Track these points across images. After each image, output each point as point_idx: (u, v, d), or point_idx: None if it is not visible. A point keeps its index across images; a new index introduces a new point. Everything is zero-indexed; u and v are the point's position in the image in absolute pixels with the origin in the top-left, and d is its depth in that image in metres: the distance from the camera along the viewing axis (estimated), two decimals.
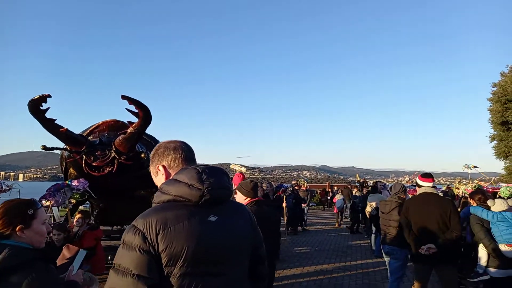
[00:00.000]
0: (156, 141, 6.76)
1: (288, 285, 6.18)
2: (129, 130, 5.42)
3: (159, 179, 1.59)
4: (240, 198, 3.60)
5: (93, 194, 6.11)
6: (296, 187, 12.97)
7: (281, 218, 8.28)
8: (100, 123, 6.39)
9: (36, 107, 4.75)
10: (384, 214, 5.05)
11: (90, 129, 6.31)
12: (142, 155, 5.53)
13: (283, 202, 8.06)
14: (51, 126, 5.05)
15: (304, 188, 14.12)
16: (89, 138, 5.87)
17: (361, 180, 14.75)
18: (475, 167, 9.34)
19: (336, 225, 13.46)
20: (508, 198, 5.55)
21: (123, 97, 4.88)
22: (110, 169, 5.56)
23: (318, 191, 22.62)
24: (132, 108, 5.08)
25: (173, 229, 1.31)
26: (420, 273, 4.42)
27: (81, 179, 5.86)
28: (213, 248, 1.36)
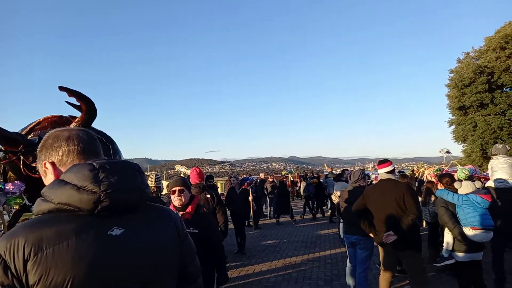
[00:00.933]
0: (108, 138, 6.23)
1: (256, 282, 5.93)
2: (72, 126, 4.91)
3: (48, 181, 1.20)
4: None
5: (27, 202, 5.46)
6: (283, 179, 13.03)
7: (249, 212, 8.01)
8: (41, 119, 5.76)
9: None
10: (346, 204, 4.88)
11: (30, 127, 5.68)
12: None
13: (249, 195, 7.76)
14: None
15: (270, 179, 13.92)
16: (29, 136, 5.29)
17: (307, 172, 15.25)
18: (448, 152, 9.53)
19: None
20: (465, 180, 5.56)
21: (61, 88, 4.35)
22: None
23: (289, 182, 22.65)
24: (73, 100, 4.59)
25: (50, 252, 0.94)
26: (386, 260, 4.30)
27: (16, 181, 5.25)
28: (115, 274, 1.01)
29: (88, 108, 4.70)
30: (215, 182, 16.33)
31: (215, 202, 4.43)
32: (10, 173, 5.78)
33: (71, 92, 4.46)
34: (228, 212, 6.97)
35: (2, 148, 4.92)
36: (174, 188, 3.19)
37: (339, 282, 5.73)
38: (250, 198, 7.74)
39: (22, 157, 4.98)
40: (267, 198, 13.64)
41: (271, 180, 13.94)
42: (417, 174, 8.62)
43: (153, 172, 5.27)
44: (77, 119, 4.90)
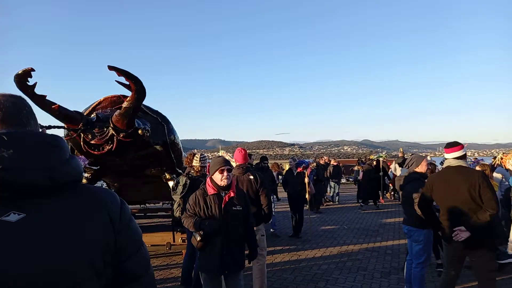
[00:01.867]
0: (163, 118, 6.37)
1: (306, 268, 5.69)
2: (123, 105, 5.05)
3: None
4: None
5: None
6: (372, 163, 11.70)
7: (305, 195, 7.72)
8: (102, 99, 6.08)
9: (23, 83, 4.47)
10: (400, 191, 4.37)
11: (92, 106, 6.03)
12: (139, 132, 5.14)
13: (304, 178, 7.46)
14: (42, 103, 4.77)
15: (334, 163, 13.35)
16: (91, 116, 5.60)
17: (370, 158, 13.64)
18: None
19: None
20: None
21: (110, 68, 4.46)
22: (109, 147, 5.27)
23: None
24: (123, 80, 4.69)
25: None
26: (450, 258, 3.74)
27: (81, 156, 5.64)
28: (5, 268, 0.82)
29: (137, 87, 4.77)
30: (281, 164, 16.31)
31: (258, 184, 4.24)
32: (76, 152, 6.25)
33: (120, 72, 4.55)
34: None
35: (65, 126, 5.29)
36: (223, 168, 3.16)
37: (398, 276, 5.25)
38: (306, 180, 7.42)
39: (82, 135, 5.31)
40: (331, 182, 13.18)
41: (334, 163, 13.40)
42: (494, 162, 7.48)
43: (198, 152, 5.23)
44: (128, 98, 5.04)
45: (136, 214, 9.18)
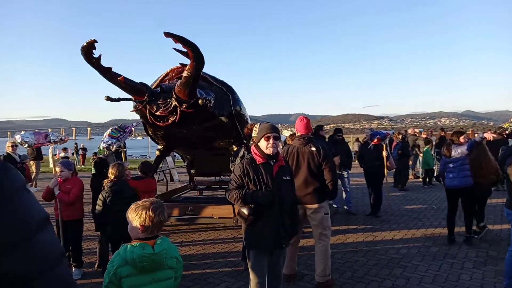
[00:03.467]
0: (228, 88, 6.16)
1: (382, 251, 5.10)
2: (183, 74, 4.92)
3: None
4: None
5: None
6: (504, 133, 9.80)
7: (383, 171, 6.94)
8: (168, 70, 6.09)
9: (88, 55, 4.59)
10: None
11: (160, 78, 6.08)
12: (200, 101, 4.99)
13: (382, 151, 6.65)
14: (108, 74, 4.89)
15: (424, 135, 11.92)
16: None
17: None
18: None
19: None
20: None
21: (167, 34, 4.32)
22: (173, 118, 5.24)
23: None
24: (180, 47, 4.52)
25: None
26: None
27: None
28: None
29: (194, 54, 4.57)
30: (363, 138, 15.18)
31: (321, 156, 3.77)
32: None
33: (177, 38, 4.37)
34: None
35: (133, 98, 5.39)
36: (269, 134, 2.88)
37: (495, 268, 4.38)
38: (384, 154, 6.62)
39: (147, 106, 5.37)
40: (420, 157, 11.87)
41: (424, 136, 12.00)
42: None
43: (258, 123, 4.89)
44: (187, 67, 4.89)
45: (212, 186, 9.38)
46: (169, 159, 13.79)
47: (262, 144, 2.88)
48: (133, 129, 6.96)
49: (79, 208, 4.40)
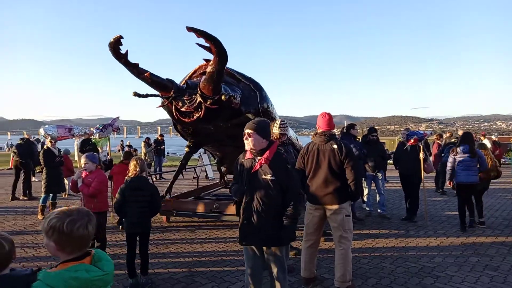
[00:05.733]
0: (256, 85, 6.06)
1: (413, 258, 4.74)
2: (207, 70, 4.90)
3: None
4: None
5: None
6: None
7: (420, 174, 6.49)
8: (197, 67, 6.12)
9: (116, 51, 4.70)
10: None
11: (188, 75, 6.13)
12: (223, 97, 4.93)
13: (419, 152, 6.21)
14: (135, 70, 4.99)
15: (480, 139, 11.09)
16: None
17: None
18: None
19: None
20: None
21: (189, 29, 4.31)
22: (198, 114, 5.24)
23: None
24: (203, 42, 4.49)
25: None
26: None
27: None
28: None
29: (217, 49, 4.53)
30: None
31: (343, 155, 3.54)
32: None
33: (199, 33, 4.35)
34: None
35: (160, 94, 5.45)
36: (244, 131, 2.84)
37: None
38: (421, 156, 6.17)
39: (173, 102, 5.41)
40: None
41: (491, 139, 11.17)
42: None
43: (279, 119, 4.74)
44: (210, 62, 4.85)
45: None
46: (205, 156, 14.02)
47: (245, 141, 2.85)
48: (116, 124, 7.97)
49: (100, 202, 4.50)
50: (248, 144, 2.78)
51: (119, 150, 24.52)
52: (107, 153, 8.65)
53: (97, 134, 7.69)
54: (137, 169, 3.86)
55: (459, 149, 6.11)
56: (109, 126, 7.50)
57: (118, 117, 8.24)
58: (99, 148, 8.02)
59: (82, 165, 4.51)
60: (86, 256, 1.46)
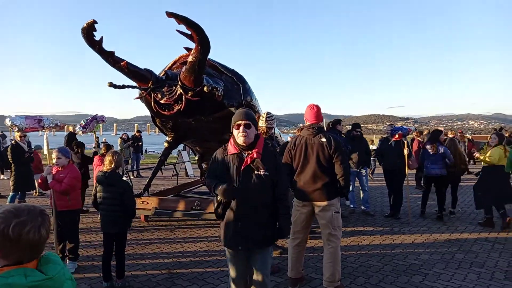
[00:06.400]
0: (239, 78, 5.83)
1: (400, 256, 4.65)
2: (188, 59, 4.63)
3: None
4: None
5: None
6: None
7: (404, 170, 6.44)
8: (177, 58, 5.82)
9: (89, 38, 4.37)
10: None
11: (168, 66, 5.83)
12: (205, 89, 4.69)
13: (403, 148, 6.14)
14: (110, 59, 4.66)
15: (451, 135, 11.24)
16: None
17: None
18: None
19: None
20: None
21: (169, 14, 4.02)
22: (179, 107, 4.97)
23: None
24: (184, 29, 4.22)
25: None
26: None
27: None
28: None
29: (199, 36, 4.26)
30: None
31: (332, 149, 3.38)
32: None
33: (180, 19, 4.06)
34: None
35: (138, 85, 5.14)
36: (239, 122, 2.52)
37: None
38: (405, 152, 6.11)
39: (152, 94, 5.11)
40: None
41: (451, 135, 11.33)
42: None
43: (265, 112, 4.51)
44: (192, 51, 4.58)
45: None
46: (184, 153, 13.66)
47: (235, 133, 2.55)
48: (103, 119, 7.77)
49: (73, 199, 4.18)
50: (244, 136, 2.49)
51: (94, 147, 23.74)
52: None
53: (80, 132, 7.59)
54: (112, 165, 3.57)
55: (427, 146, 6.56)
56: (91, 121, 7.30)
57: (103, 115, 7.94)
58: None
59: (54, 160, 4.16)
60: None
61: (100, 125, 8.38)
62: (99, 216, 5.84)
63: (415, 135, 10.07)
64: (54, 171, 4.16)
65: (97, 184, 3.55)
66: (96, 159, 6.56)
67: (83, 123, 7.24)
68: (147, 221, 6.39)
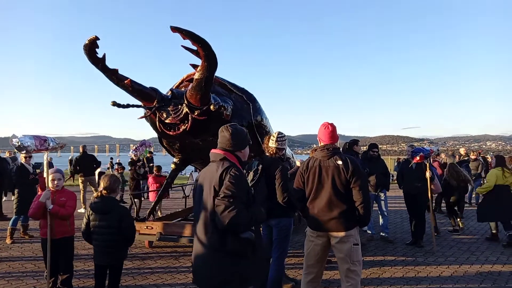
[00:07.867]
0: (249, 97, 5.57)
1: None
2: (195, 77, 4.39)
3: None
4: None
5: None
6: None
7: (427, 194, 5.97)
8: (185, 76, 5.61)
9: (92, 55, 4.18)
10: None
11: (175, 85, 5.62)
12: (211, 107, 4.42)
13: (426, 171, 5.70)
14: (114, 77, 4.46)
15: (473, 157, 10.69)
16: None
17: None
18: None
19: None
20: None
21: (174, 29, 3.81)
22: (185, 127, 4.70)
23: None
24: (189, 44, 3.99)
25: None
26: None
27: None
28: None
29: (205, 52, 4.02)
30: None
31: (349, 172, 3.02)
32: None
33: (185, 34, 3.83)
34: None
35: (143, 105, 4.91)
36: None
37: None
38: (428, 174, 5.66)
39: (157, 113, 4.87)
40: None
41: (474, 157, 10.78)
42: None
43: (277, 131, 4.15)
44: (198, 68, 4.34)
45: None
46: (195, 174, 13.35)
47: None
48: (150, 144, 9.61)
49: (72, 223, 3.89)
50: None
51: (108, 168, 23.78)
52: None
53: (133, 155, 9.49)
54: (106, 190, 3.27)
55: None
56: (140, 147, 8.92)
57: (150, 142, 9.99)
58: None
59: (52, 183, 3.87)
60: None
61: (147, 149, 10.10)
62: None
63: (439, 157, 9.60)
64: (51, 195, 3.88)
65: (90, 212, 3.24)
66: (151, 179, 7.17)
67: (134, 147, 8.78)
68: (151, 247, 6.04)
